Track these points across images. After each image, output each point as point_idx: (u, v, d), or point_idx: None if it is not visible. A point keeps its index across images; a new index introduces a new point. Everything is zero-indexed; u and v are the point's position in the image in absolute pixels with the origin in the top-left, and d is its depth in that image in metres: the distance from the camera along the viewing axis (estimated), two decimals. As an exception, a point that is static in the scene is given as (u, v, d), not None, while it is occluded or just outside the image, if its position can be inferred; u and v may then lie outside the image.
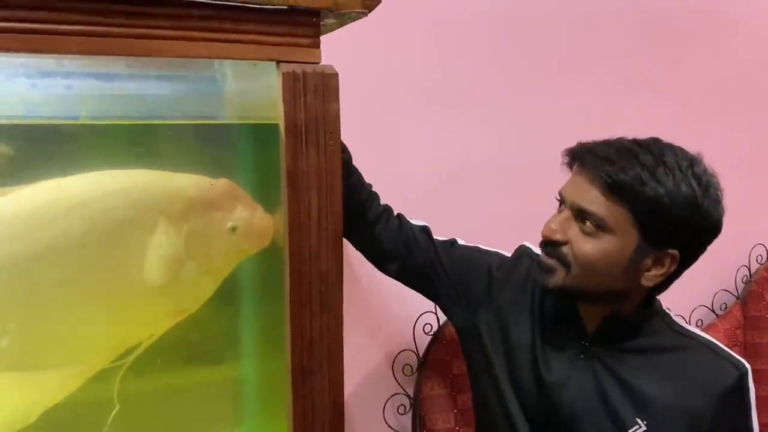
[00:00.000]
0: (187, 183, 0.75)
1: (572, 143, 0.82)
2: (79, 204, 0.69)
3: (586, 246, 0.76)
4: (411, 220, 0.96)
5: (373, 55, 1.12)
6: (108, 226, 0.70)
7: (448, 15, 1.21)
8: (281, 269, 0.78)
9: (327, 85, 0.68)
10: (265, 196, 0.81)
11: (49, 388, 0.74)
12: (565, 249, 0.77)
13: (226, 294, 0.89)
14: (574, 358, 0.82)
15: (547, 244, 0.79)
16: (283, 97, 0.67)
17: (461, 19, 1.23)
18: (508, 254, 0.95)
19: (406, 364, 1.26)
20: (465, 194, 1.28)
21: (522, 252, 0.94)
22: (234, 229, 0.77)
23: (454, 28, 1.23)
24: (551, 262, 0.79)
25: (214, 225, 0.76)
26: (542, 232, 0.79)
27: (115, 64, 0.70)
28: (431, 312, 1.25)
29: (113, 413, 0.76)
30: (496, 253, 0.96)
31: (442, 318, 1.26)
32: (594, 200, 0.75)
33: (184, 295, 0.78)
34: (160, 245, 0.74)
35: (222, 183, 0.77)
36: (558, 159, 0.87)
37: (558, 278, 0.78)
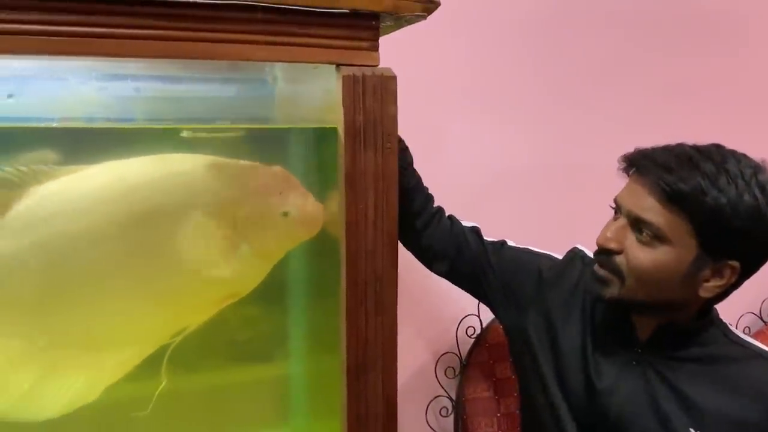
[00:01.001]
0: (242, 168, 0.77)
1: (617, 147, 0.81)
2: (139, 185, 0.71)
3: (641, 256, 0.74)
4: (461, 222, 0.96)
5: (419, 56, 1.13)
6: (165, 208, 0.73)
7: (495, 18, 1.22)
8: (330, 270, 0.80)
9: (386, 87, 0.69)
10: (318, 197, 0.82)
11: (108, 367, 0.76)
12: (619, 259, 0.76)
13: (276, 293, 0.90)
14: (625, 365, 0.81)
15: (602, 252, 0.78)
16: (342, 100, 0.68)
17: (508, 23, 1.23)
18: (559, 256, 0.95)
19: (449, 367, 1.26)
20: (509, 198, 1.28)
21: (574, 255, 0.93)
22: (286, 214, 0.78)
23: (501, 32, 1.23)
24: (604, 273, 0.77)
25: (267, 210, 0.78)
26: (597, 241, 0.78)
27: (174, 68, 0.72)
28: (474, 315, 1.25)
29: (160, 388, 0.77)
30: (547, 255, 0.95)
31: (486, 321, 1.26)
32: (651, 209, 0.73)
33: (236, 279, 0.79)
34: (215, 229, 0.76)
35: (276, 170, 0.79)
36: (602, 163, 0.85)
37: (613, 290, 0.77)
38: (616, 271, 0.76)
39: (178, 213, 0.73)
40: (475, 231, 0.96)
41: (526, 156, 1.29)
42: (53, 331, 0.73)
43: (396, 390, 0.76)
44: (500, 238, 0.98)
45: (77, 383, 0.75)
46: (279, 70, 0.81)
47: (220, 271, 0.77)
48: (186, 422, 0.87)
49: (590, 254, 0.89)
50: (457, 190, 1.19)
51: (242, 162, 0.77)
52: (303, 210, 0.79)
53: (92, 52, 0.60)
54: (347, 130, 0.69)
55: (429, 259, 0.95)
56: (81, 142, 0.67)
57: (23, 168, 0.66)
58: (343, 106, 0.68)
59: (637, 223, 0.75)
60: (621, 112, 1.36)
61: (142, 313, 0.76)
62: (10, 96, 0.56)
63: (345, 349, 0.74)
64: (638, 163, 0.76)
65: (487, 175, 1.27)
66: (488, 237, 0.97)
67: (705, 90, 1.45)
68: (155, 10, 0.61)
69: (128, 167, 0.71)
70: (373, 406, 0.75)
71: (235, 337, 0.89)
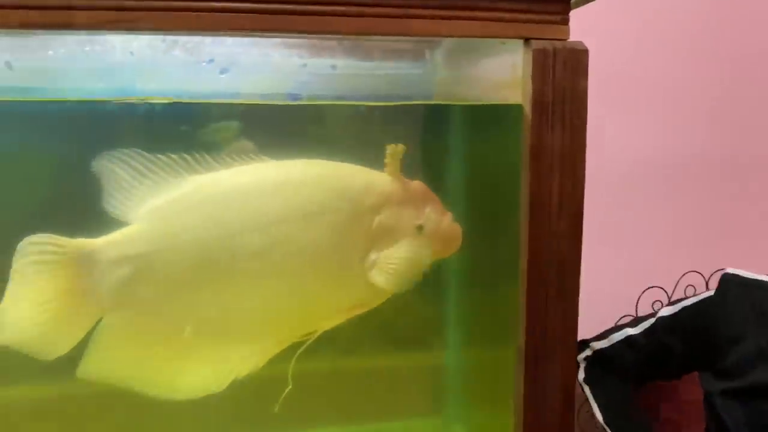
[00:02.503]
0: (382, 179, 0.77)
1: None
2: (283, 184, 0.73)
3: None
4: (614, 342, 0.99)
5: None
6: (309, 208, 0.73)
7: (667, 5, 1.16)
8: (490, 256, 0.78)
9: (577, 61, 0.67)
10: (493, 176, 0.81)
11: (237, 360, 0.77)
12: None
13: (433, 279, 0.90)
14: None
15: None
16: (532, 75, 0.66)
17: (678, 10, 1.17)
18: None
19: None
20: (670, 190, 1.21)
21: (727, 283, 0.87)
22: (421, 228, 0.77)
23: (670, 20, 1.17)
24: None
25: (402, 222, 0.77)
26: None
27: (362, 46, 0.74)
28: (630, 315, 1.18)
29: (285, 392, 0.76)
30: (700, 302, 0.91)
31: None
32: None
33: (368, 288, 0.78)
34: (350, 235, 0.76)
35: (415, 183, 0.78)
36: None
37: None
38: None
39: (317, 215, 0.74)
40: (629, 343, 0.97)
41: (688, 149, 1.22)
42: (188, 317, 0.75)
43: (575, 381, 0.73)
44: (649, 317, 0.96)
45: (205, 371, 0.76)
46: (440, 49, 0.81)
47: (350, 277, 0.77)
48: (333, 406, 0.88)
49: (740, 272, 0.85)
50: (614, 180, 1.14)
51: (381, 172, 0.77)
52: (438, 226, 0.78)
53: (295, 29, 0.62)
54: (534, 106, 0.67)
55: None
56: (273, 119, 0.69)
57: (182, 156, 0.69)
58: (532, 81, 0.66)
59: None
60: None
61: (272, 311, 0.77)
62: (222, 72, 0.60)
63: (524, 336, 0.71)
64: None
65: (645, 168, 1.20)
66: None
67: None
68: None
69: (276, 167, 0.74)
70: (551, 396, 0.72)
71: (389, 320, 0.89)
